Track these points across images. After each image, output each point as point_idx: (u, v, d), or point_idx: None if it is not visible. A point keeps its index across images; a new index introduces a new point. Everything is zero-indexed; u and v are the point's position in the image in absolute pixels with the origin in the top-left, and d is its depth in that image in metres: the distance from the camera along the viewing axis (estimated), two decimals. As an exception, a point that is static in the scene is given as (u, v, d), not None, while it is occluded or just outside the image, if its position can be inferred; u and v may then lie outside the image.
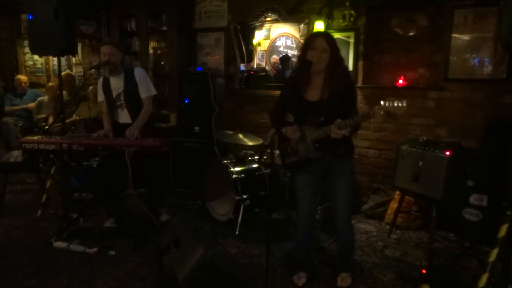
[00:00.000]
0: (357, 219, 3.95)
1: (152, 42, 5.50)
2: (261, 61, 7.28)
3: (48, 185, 4.07)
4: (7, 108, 5.88)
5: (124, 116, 3.49)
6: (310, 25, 4.33)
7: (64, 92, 4.40)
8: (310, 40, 2.48)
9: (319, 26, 4.17)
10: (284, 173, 3.66)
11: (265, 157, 3.84)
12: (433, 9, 3.92)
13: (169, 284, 2.44)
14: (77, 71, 6.38)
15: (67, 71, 6.04)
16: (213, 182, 3.84)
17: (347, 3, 4.06)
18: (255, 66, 6.70)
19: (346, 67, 2.62)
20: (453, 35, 3.71)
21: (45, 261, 2.98)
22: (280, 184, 3.72)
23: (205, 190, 3.90)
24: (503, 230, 2.28)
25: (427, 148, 3.21)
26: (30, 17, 3.60)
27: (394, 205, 3.75)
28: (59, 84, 3.98)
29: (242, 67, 5.09)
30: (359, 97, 4.10)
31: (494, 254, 2.28)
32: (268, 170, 3.67)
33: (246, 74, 5.13)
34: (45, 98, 5.80)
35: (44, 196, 3.97)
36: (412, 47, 4.04)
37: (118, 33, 5.36)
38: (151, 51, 5.48)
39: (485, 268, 2.31)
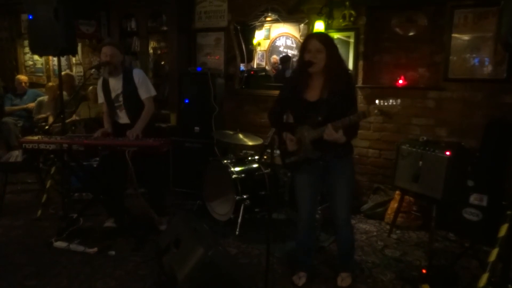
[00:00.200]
0: (357, 219, 3.95)
1: (152, 42, 5.51)
2: (261, 61, 7.27)
3: (48, 185, 4.07)
4: (7, 108, 5.89)
5: (123, 117, 3.49)
6: (310, 25, 4.33)
7: (64, 92, 4.40)
8: (304, 43, 2.48)
9: (319, 26, 4.17)
10: (284, 173, 3.66)
11: (265, 157, 3.84)
12: (433, 9, 3.92)
13: (169, 284, 2.44)
14: (77, 71, 6.39)
15: (67, 71, 6.05)
16: (213, 182, 3.84)
17: (347, 3, 4.06)
18: (255, 66, 6.69)
19: (346, 67, 2.60)
20: (453, 35, 3.71)
21: (45, 261, 2.98)
22: (280, 184, 3.72)
23: (205, 190, 3.90)
24: (503, 230, 2.28)
25: (427, 148, 3.21)
26: (30, 17, 3.60)
27: (394, 205, 3.75)
28: (59, 84, 3.99)
29: (242, 67, 5.09)
30: (359, 97, 4.10)
31: (494, 254, 2.28)
32: (268, 170, 3.67)
33: (246, 74, 5.13)
34: (45, 98, 5.80)
35: (44, 196, 3.97)
36: (412, 47, 4.04)
37: (118, 33, 5.36)
38: (151, 51, 5.48)
39: (485, 268, 2.31)
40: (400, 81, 3.92)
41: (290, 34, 6.88)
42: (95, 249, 3.12)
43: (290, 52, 6.86)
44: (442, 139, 3.69)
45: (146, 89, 3.46)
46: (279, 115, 2.57)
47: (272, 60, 7.14)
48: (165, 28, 5.17)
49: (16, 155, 4.14)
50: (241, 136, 3.89)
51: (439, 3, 3.82)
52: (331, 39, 2.50)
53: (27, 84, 6.19)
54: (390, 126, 4.08)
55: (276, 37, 7.13)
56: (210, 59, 5.08)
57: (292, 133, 2.53)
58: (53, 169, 4.12)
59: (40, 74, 6.83)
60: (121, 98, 3.44)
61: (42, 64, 6.79)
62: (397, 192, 3.72)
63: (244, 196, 3.48)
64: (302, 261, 2.79)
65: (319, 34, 2.55)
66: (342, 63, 2.52)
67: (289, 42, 7.03)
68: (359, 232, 3.65)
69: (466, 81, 3.69)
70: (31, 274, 2.80)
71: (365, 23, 4.09)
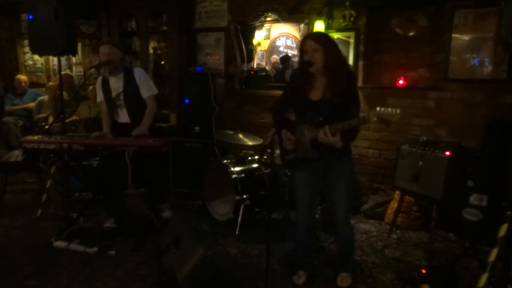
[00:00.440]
0: (357, 219, 3.96)
1: (152, 42, 5.50)
2: (261, 61, 7.27)
3: (48, 185, 4.06)
4: (7, 107, 5.89)
5: (123, 116, 3.50)
6: (310, 25, 4.33)
7: (64, 92, 4.39)
8: (301, 44, 2.48)
9: (319, 26, 4.17)
10: (284, 173, 3.66)
11: (265, 157, 3.84)
12: (433, 9, 3.91)
13: (169, 284, 2.44)
14: (77, 71, 6.38)
15: (67, 71, 6.04)
16: (213, 182, 3.84)
17: (347, 3, 4.06)
18: (255, 66, 6.69)
19: (347, 65, 2.59)
20: (453, 35, 3.71)
21: (45, 261, 2.98)
22: (280, 184, 3.72)
23: (205, 190, 3.90)
24: (503, 230, 2.29)
25: (427, 148, 3.21)
26: (30, 17, 3.60)
27: (394, 205, 3.75)
28: (59, 84, 3.98)
29: (243, 67, 5.09)
30: (359, 97, 4.10)
31: (494, 254, 2.28)
32: (268, 170, 3.67)
33: (246, 74, 5.13)
34: (45, 97, 5.81)
35: (44, 196, 3.97)
36: (412, 47, 4.04)
37: (118, 33, 5.36)
38: (151, 51, 5.48)
39: (485, 268, 2.31)
40: (400, 81, 3.92)
41: (290, 34, 6.87)
42: (95, 249, 3.12)
43: (290, 52, 6.85)
44: (442, 139, 3.69)
45: (148, 88, 3.46)
46: (282, 114, 2.57)
47: (272, 60, 7.13)
48: (165, 28, 5.17)
49: (16, 155, 4.13)
50: (241, 136, 3.89)
51: (439, 3, 3.82)
52: (327, 38, 2.49)
53: (27, 83, 6.19)
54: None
55: (276, 37, 7.12)
56: (210, 59, 5.08)
57: (292, 132, 2.53)
58: (53, 169, 4.12)
59: (40, 74, 6.83)
60: (122, 97, 3.44)
61: (42, 64, 6.79)
62: (397, 192, 3.71)
63: (244, 196, 3.48)
64: (302, 261, 2.79)
65: (314, 34, 2.54)
66: (342, 61, 2.51)
67: (289, 42, 7.02)
68: (359, 232, 3.65)
69: (466, 81, 3.69)
70: (31, 274, 2.80)
71: (365, 23, 4.09)
